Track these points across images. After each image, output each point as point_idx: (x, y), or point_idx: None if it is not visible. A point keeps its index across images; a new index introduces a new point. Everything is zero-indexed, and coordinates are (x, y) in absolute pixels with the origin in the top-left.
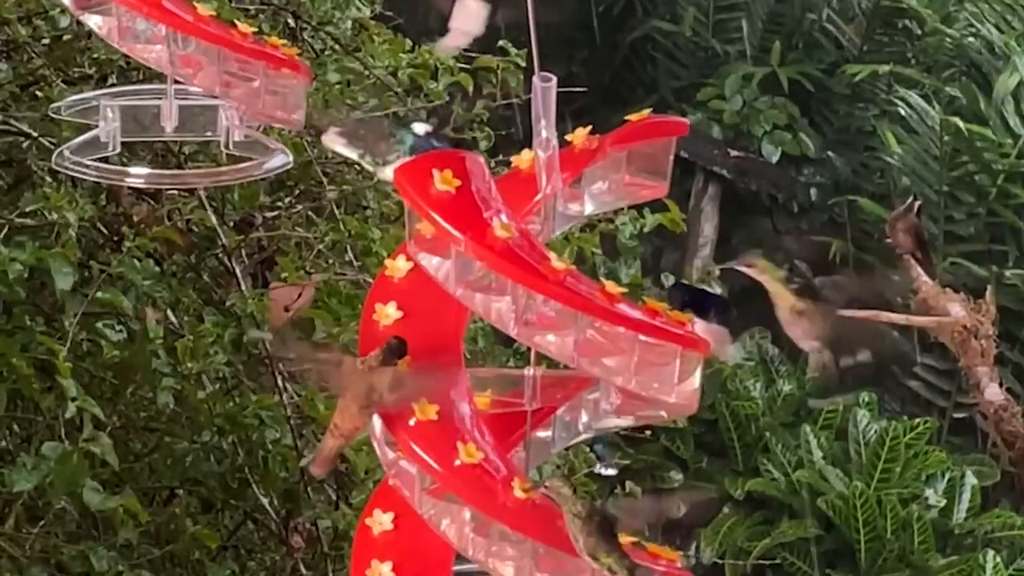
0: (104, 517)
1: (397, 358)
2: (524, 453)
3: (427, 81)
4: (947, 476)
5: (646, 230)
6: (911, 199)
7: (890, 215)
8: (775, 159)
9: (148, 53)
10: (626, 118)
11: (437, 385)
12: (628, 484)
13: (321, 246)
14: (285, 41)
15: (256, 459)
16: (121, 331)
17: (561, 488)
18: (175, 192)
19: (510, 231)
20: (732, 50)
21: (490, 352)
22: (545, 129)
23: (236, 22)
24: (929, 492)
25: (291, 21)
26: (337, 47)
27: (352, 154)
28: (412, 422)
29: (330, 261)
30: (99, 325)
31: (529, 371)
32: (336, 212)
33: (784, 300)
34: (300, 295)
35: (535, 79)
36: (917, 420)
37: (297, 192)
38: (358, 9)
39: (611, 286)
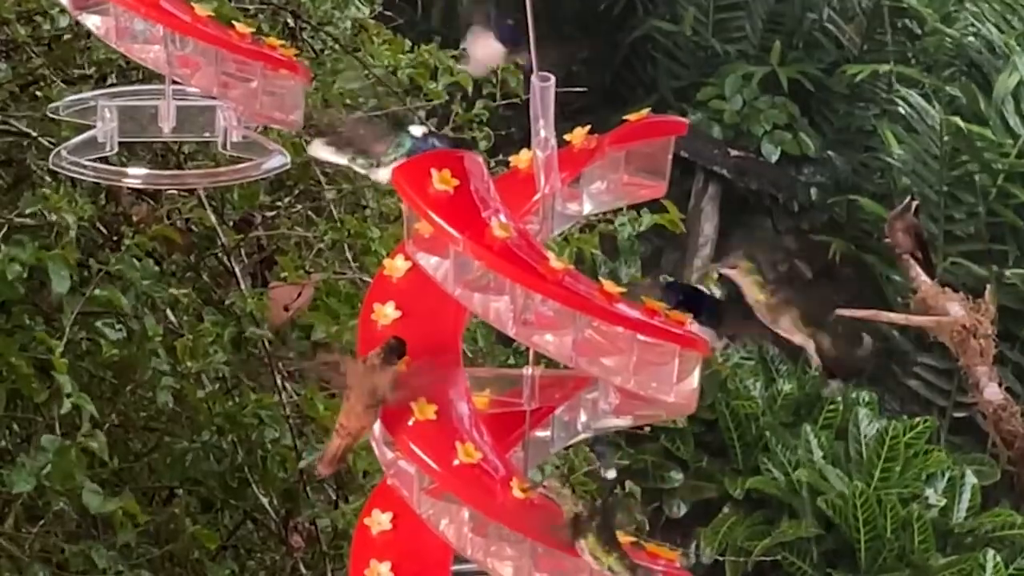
0: (104, 517)
1: (397, 357)
2: (523, 453)
3: (426, 81)
4: (947, 475)
5: (642, 229)
6: (909, 199)
7: (889, 215)
8: (775, 159)
9: (146, 53)
10: (624, 118)
11: (437, 384)
12: (628, 484)
13: (320, 245)
14: (283, 42)
15: (255, 459)
16: (120, 330)
17: (560, 489)
18: (174, 191)
19: (508, 231)
20: (732, 50)
21: (490, 351)
22: (544, 129)
23: (234, 23)
24: (929, 491)
25: (290, 21)
26: (337, 47)
27: (341, 160)
28: (411, 422)
29: (329, 260)
30: (98, 324)
31: (528, 371)
32: (335, 212)
33: (763, 298)
34: (299, 294)
35: (534, 79)
36: (917, 419)
37: (296, 192)
38: (358, 9)
39: (609, 286)
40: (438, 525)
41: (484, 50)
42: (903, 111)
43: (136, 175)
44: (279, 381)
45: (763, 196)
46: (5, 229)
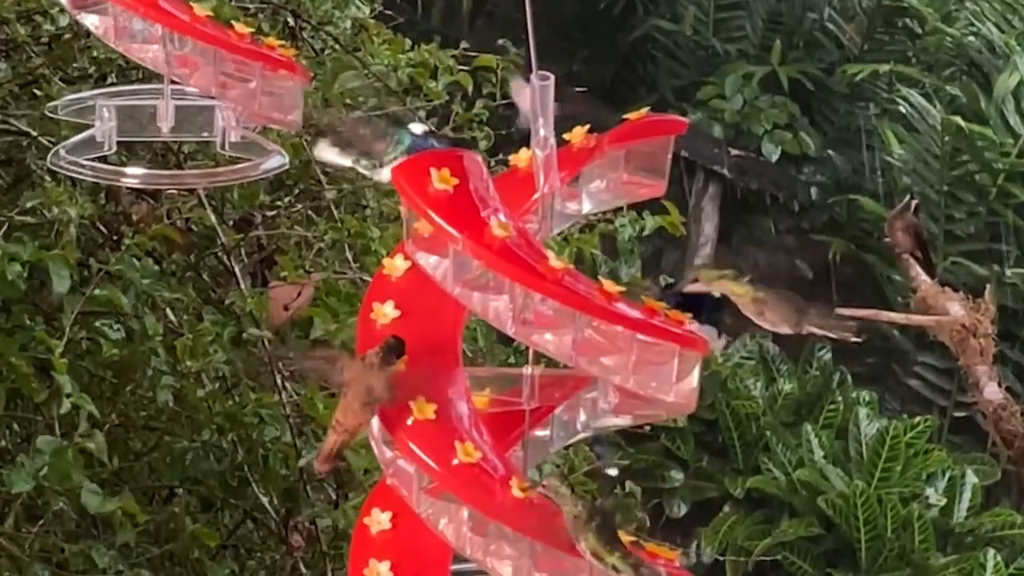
0: (103, 517)
1: (396, 357)
2: (522, 452)
3: (426, 81)
4: (948, 475)
5: (645, 233)
6: (908, 198)
7: (889, 214)
8: (775, 158)
9: (144, 53)
10: (624, 117)
11: (437, 383)
12: (628, 484)
13: (320, 245)
14: (282, 42)
15: (256, 458)
16: (120, 330)
17: (559, 488)
18: (174, 191)
19: (508, 230)
20: (732, 49)
21: (490, 351)
22: (543, 128)
23: (233, 23)
24: (930, 491)
25: (290, 20)
26: (337, 46)
27: (345, 161)
28: (410, 421)
29: (329, 260)
30: (98, 324)
31: (527, 370)
32: (335, 211)
33: (742, 297)
34: (299, 294)
35: (533, 78)
36: (918, 419)
37: (296, 191)
38: (358, 8)
39: (609, 285)
40: (437, 524)
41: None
42: (903, 111)
43: (134, 175)
44: (279, 380)
45: (763, 195)
46: (5, 228)
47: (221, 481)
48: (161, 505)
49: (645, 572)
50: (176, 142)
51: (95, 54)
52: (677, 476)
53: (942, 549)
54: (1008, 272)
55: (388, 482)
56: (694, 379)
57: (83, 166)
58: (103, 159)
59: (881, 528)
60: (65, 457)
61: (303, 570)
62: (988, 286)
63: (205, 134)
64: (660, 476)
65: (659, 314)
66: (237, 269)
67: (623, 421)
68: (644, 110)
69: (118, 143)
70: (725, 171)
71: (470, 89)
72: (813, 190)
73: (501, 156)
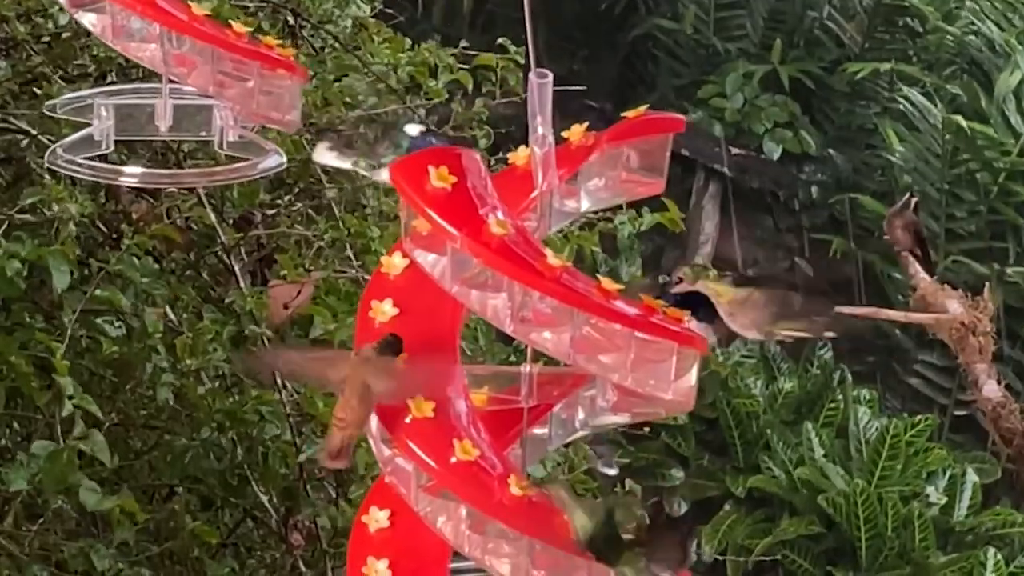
0: (103, 515)
1: (393, 354)
2: (520, 450)
3: (426, 79)
4: (948, 473)
5: (643, 229)
6: (907, 196)
7: (888, 213)
8: (776, 157)
9: (142, 52)
10: (623, 114)
11: (431, 379)
12: (628, 482)
13: (320, 244)
14: (281, 41)
15: (256, 456)
16: (120, 328)
17: (560, 492)
18: (174, 190)
19: (506, 228)
20: (733, 48)
21: (489, 349)
22: (541, 126)
23: (231, 22)
24: (930, 489)
25: (290, 19)
26: (337, 45)
27: (345, 164)
28: (408, 419)
29: (329, 259)
30: (98, 322)
31: (526, 368)
32: (335, 210)
33: (724, 295)
34: (299, 293)
35: (531, 75)
36: (918, 417)
37: (296, 190)
38: (358, 7)
39: (607, 283)
40: (436, 522)
41: None
42: (904, 109)
43: (132, 174)
44: (279, 379)
45: (764, 194)
46: (5, 226)
47: (221, 479)
48: (161, 503)
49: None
50: (175, 141)
51: (95, 53)
52: (677, 474)
53: (942, 548)
54: (1009, 271)
55: (386, 480)
56: (692, 377)
57: (80, 165)
58: (103, 158)
59: (881, 527)
60: (60, 461)
61: (303, 568)
62: (987, 284)
63: (203, 133)
64: (660, 474)
65: (657, 312)
66: (237, 268)
67: (621, 419)
68: (642, 108)
69: (118, 142)
70: (726, 170)
71: (470, 88)
72: (814, 189)
73: (501, 155)
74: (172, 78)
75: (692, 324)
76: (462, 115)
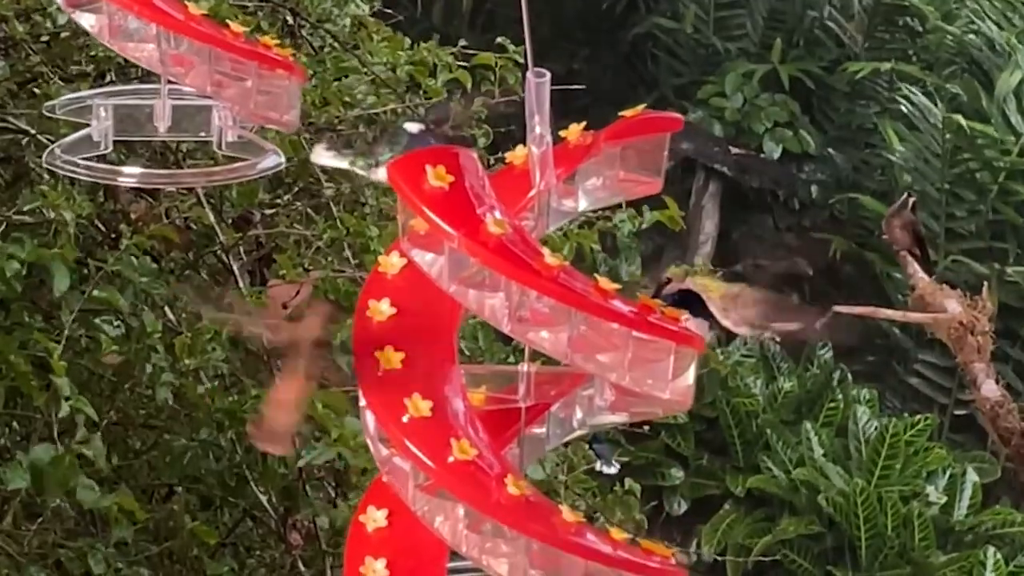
0: (102, 515)
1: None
2: (518, 450)
3: (425, 78)
4: (948, 473)
5: (644, 227)
6: (905, 196)
7: (887, 212)
8: (776, 156)
9: (140, 52)
10: (620, 114)
11: (431, 381)
12: (628, 481)
13: (319, 243)
14: (278, 40)
15: (255, 456)
16: (119, 327)
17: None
18: (173, 190)
19: (504, 227)
20: (733, 47)
21: (488, 349)
22: (539, 125)
23: (229, 21)
24: (930, 489)
25: (289, 18)
26: (336, 44)
27: (342, 164)
28: (405, 418)
29: (328, 258)
30: (97, 322)
31: (523, 367)
32: (334, 209)
33: (714, 292)
34: (298, 292)
35: (529, 75)
36: (918, 417)
37: (295, 190)
38: (357, 6)
39: (605, 282)
40: (433, 522)
41: None
42: (904, 109)
43: (131, 174)
44: (278, 378)
45: (764, 193)
46: (3, 227)
47: (220, 479)
48: (160, 503)
49: None
50: (175, 141)
51: (94, 52)
52: (677, 474)
53: (942, 547)
54: (1009, 270)
55: (384, 480)
56: (690, 376)
57: (79, 165)
58: (102, 158)
59: (881, 526)
60: (62, 466)
61: (302, 568)
62: (986, 284)
63: (202, 134)
64: (660, 474)
65: (655, 311)
66: (236, 267)
67: (619, 418)
68: (640, 107)
69: (117, 141)
70: (726, 169)
71: (469, 86)
72: (814, 188)
73: (500, 154)
74: (170, 78)
75: (690, 323)
76: (461, 114)
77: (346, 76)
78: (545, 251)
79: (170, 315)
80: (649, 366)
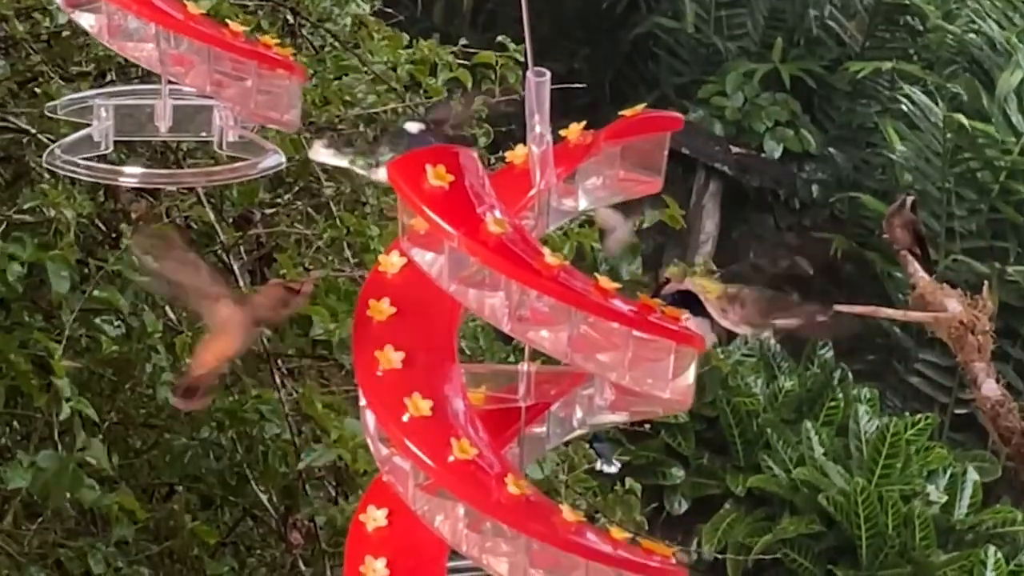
0: (102, 514)
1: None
2: (518, 449)
3: (426, 77)
4: (948, 472)
5: (645, 226)
6: (904, 195)
7: (887, 212)
8: (777, 155)
9: (139, 52)
10: (621, 113)
11: (431, 380)
12: (628, 480)
13: (320, 243)
14: (278, 40)
15: (255, 455)
16: (119, 327)
17: None
18: (174, 189)
19: (503, 227)
20: (734, 47)
21: (489, 348)
22: (539, 124)
23: (228, 21)
24: (930, 488)
25: (290, 17)
26: (336, 43)
27: (341, 162)
28: (406, 418)
29: (328, 258)
30: (97, 321)
31: (523, 367)
32: (334, 209)
33: (712, 292)
34: (299, 291)
35: (528, 74)
36: (918, 416)
37: (296, 189)
38: (357, 5)
39: (605, 281)
40: (433, 521)
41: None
42: (905, 108)
43: (132, 174)
44: (278, 378)
45: (765, 193)
46: (4, 226)
47: (220, 478)
48: (160, 502)
49: None
50: (175, 141)
51: (94, 52)
52: (678, 473)
53: (943, 546)
54: (1010, 269)
55: (384, 479)
56: (690, 375)
57: (79, 165)
58: (102, 158)
59: (882, 525)
60: (67, 473)
61: (302, 567)
62: (986, 283)
63: (203, 134)
64: (661, 473)
65: (655, 311)
66: (236, 267)
67: (619, 418)
68: (640, 106)
69: (118, 141)
70: (726, 168)
71: (469, 86)
72: (814, 187)
73: (501, 153)
74: (170, 78)
75: (691, 323)
76: (462, 113)
77: (346, 75)
78: (545, 250)
79: (171, 314)
80: (649, 365)
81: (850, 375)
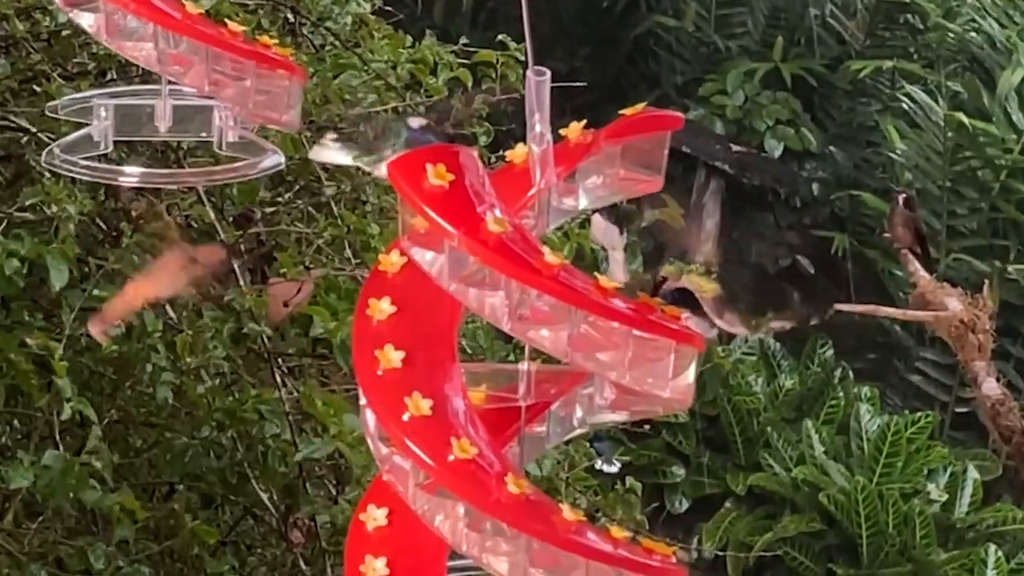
0: (103, 513)
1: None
2: (518, 448)
3: (426, 76)
4: (949, 471)
5: (644, 225)
6: (897, 193)
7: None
8: (777, 154)
9: (138, 51)
10: (621, 112)
11: (432, 379)
12: (629, 479)
13: (320, 242)
14: (277, 40)
15: (255, 454)
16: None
17: None
18: (175, 188)
19: (504, 226)
20: (734, 45)
21: (490, 347)
22: (539, 123)
23: (227, 20)
24: (931, 487)
25: (290, 16)
26: (336, 42)
27: (345, 160)
28: (406, 417)
29: (329, 257)
30: None
31: (523, 366)
32: (335, 208)
33: (709, 291)
34: (299, 291)
35: (529, 73)
36: (919, 414)
37: (296, 188)
38: (358, 4)
39: (605, 281)
40: (433, 521)
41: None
42: (906, 107)
43: (132, 173)
44: (279, 377)
45: (765, 191)
46: (4, 225)
47: (221, 477)
48: (161, 501)
49: None
50: (176, 140)
51: (95, 50)
52: (678, 472)
53: (943, 545)
54: (1010, 268)
55: (384, 478)
56: (690, 375)
57: (78, 165)
58: (104, 156)
59: (882, 524)
60: (72, 474)
61: (303, 566)
62: (987, 282)
63: (204, 134)
64: (661, 472)
65: (655, 310)
66: (236, 265)
67: (619, 417)
68: (641, 105)
69: (117, 141)
70: (727, 167)
71: (470, 85)
72: (815, 186)
73: (502, 152)
74: (170, 78)
75: (690, 321)
76: (462, 112)
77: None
78: (545, 249)
79: (171, 313)
80: (649, 365)
81: (851, 374)
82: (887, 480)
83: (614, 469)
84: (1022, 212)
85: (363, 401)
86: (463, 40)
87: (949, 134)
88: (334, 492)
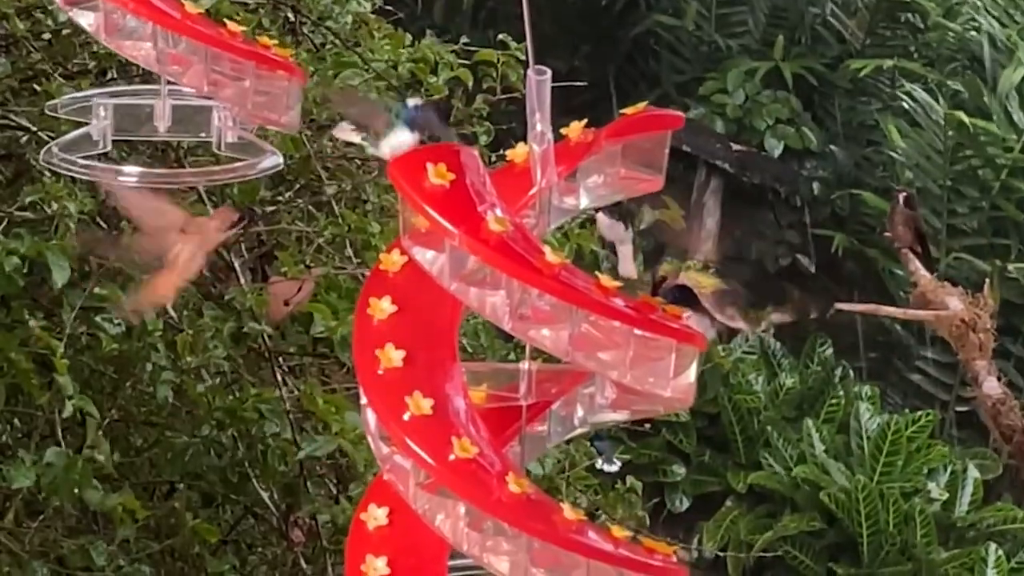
0: (104, 512)
1: None
2: (519, 448)
3: (427, 76)
4: (949, 469)
5: (643, 227)
6: (902, 191)
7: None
8: (778, 153)
9: (137, 51)
10: (622, 111)
11: (432, 379)
12: (629, 479)
13: (321, 240)
14: (278, 39)
15: (256, 453)
16: (120, 325)
17: None
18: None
19: (504, 225)
20: (735, 44)
21: (490, 346)
22: (540, 123)
23: (227, 20)
24: (931, 485)
25: (290, 15)
26: (337, 42)
27: (356, 138)
28: (406, 416)
29: (329, 255)
30: (98, 319)
31: (524, 365)
32: (335, 206)
33: (707, 286)
34: (299, 289)
35: (529, 72)
36: (919, 413)
37: (297, 186)
38: (358, 3)
39: (606, 280)
40: (434, 520)
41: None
42: (906, 106)
43: (131, 173)
44: (279, 376)
45: (765, 190)
46: (4, 223)
47: (221, 477)
48: (161, 501)
49: None
50: (175, 140)
51: (95, 50)
52: (679, 470)
53: (944, 543)
54: (1011, 267)
55: (385, 478)
56: (691, 374)
57: (76, 164)
58: (104, 155)
59: (883, 523)
60: (75, 470)
61: (303, 565)
62: (987, 281)
63: (203, 134)
64: (662, 471)
65: (656, 309)
66: (237, 264)
67: (620, 416)
68: (641, 104)
69: (117, 140)
70: (727, 166)
71: (470, 84)
72: (815, 185)
73: (502, 151)
74: (169, 78)
75: (691, 320)
76: (462, 111)
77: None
78: (546, 249)
79: (171, 312)
80: (650, 364)
81: (851, 372)
82: (888, 479)
83: (615, 468)
84: (1022, 211)
85: (364, 400)
86: (464, 39)
87: (949, 133)
88: (335, 491)
